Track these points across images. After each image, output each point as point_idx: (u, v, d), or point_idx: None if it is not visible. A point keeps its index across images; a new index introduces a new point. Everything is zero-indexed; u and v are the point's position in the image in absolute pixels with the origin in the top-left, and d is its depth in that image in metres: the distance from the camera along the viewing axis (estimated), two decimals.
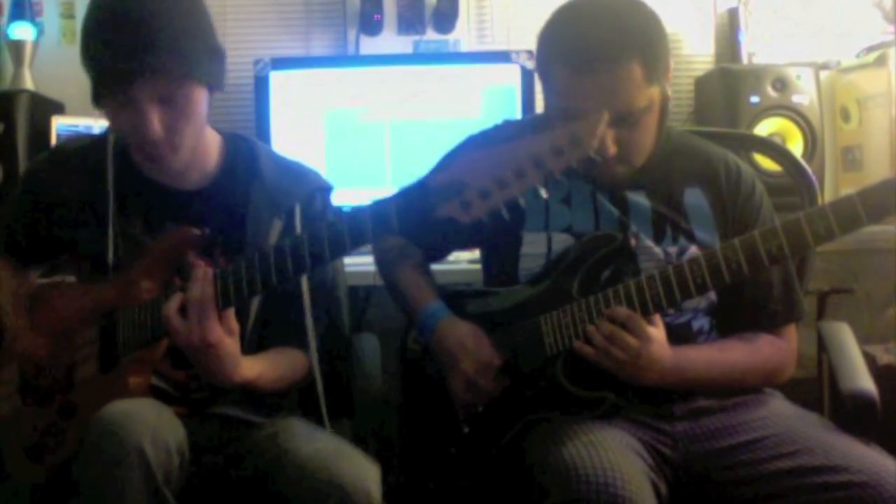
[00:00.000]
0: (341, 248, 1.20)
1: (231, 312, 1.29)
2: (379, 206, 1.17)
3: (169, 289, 1.32)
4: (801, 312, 1.52)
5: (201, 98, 1.38)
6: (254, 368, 1.36)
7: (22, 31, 2.55)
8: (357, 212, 1.19)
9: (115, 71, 1.30)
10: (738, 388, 1.46)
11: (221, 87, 1.43)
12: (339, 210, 1.49)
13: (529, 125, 1.09)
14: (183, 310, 1.27)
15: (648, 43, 1.39)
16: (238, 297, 1.27)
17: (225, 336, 1.27)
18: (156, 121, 1.33)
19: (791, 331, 1.51)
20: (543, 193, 1.08)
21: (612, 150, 1.41)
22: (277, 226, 1.45)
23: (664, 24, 1.44)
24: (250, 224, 1.45)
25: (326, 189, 1.55)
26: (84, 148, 1.53)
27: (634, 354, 1.30)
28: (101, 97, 1.35)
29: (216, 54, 1.40)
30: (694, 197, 1.49)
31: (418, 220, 1.14)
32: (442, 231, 1.18)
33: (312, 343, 1.46)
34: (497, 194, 1.09)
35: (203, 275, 1.27)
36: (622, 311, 1.32)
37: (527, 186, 1.08)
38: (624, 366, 1.32)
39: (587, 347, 1.34)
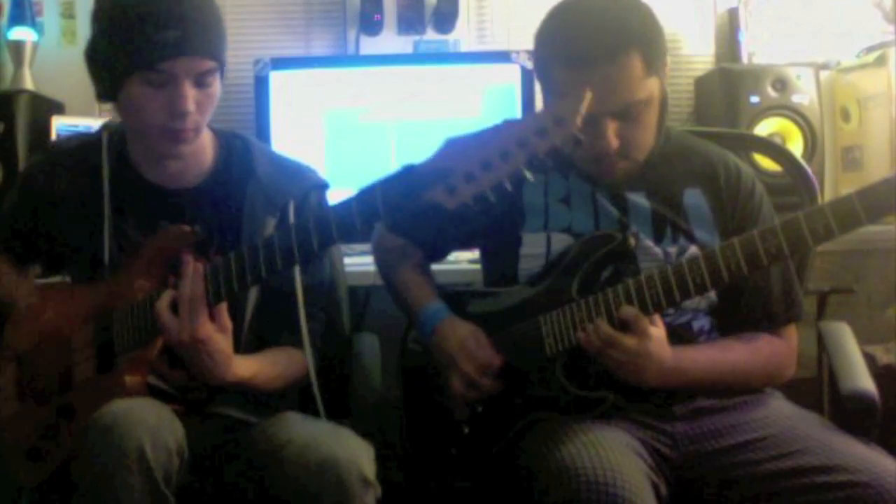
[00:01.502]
0: (328, 237, 1.20)
1: (223, 309, 1.29)
2: (364, 192, 1.17)
3: (164, 287, 1.31)
4: (801, 312, 1.52)
5: (219, 89, 1.40)
6: (249, 367, 1.36)
7: (22, 31, 2.54)
8: (344, 201, 1.19)
9: (162, 42, 1.29)
10: (739, 389, 1.46)
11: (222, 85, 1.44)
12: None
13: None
14: (175, 306, 1.27)
15: (647, 34, 1.39)
16: (229, 291, 1.27)
17: (215, 332, 1.27)
18: (192, 98, 1.34)
19: (791, 331, 1.50)
20: (529, 176, 1.08)
21: (614, 144, 1.41)
22: (271, 223, 1.45)
23: (659, 19, 1.44)
24: (245, 222, 1.44)
25: (322, 186, 1.55)
26: (79, 147, 1.52)
27: (634, 354, 1.30)
28: (132, 74, 1.32)
29: (226, 47, 1.41)
30: (693, 197, 1.49)
31: (404, 205, 1.13)
32: (429, 218, 1.18)
33: (306, 341, 1.45)
34: (482, 177, 1.08)
35: (193, 271, 1.27)
36: (631, 310, 1.31)
37: (512, 168, 1.07)
38: (624, 366, 1.32)
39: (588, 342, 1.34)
